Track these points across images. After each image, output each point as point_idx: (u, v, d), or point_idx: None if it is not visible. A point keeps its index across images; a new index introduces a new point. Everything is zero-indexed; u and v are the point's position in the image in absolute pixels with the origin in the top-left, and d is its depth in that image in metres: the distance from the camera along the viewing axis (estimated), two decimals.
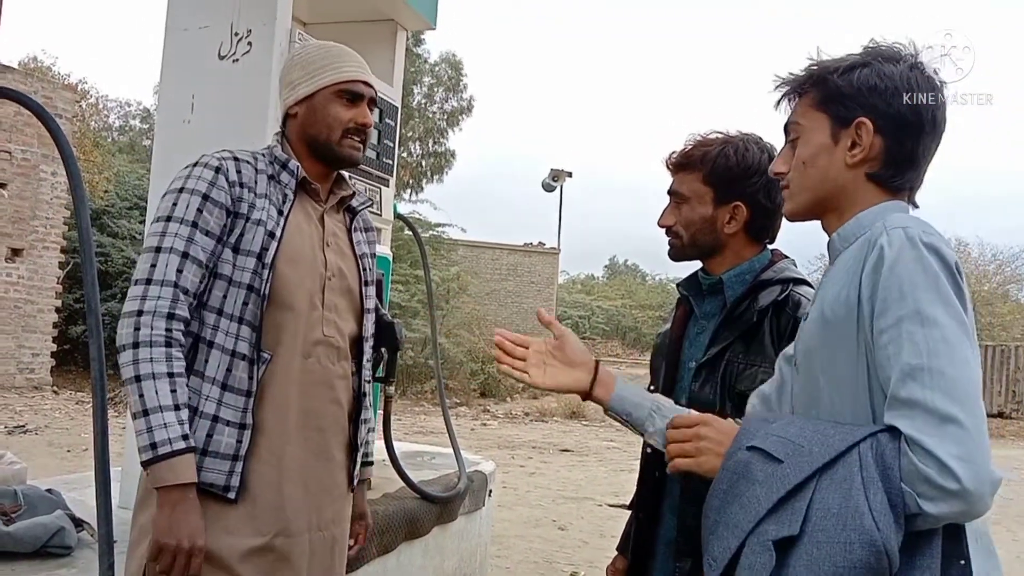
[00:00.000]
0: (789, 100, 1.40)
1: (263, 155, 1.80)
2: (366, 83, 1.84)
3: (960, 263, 1.19)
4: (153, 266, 1.64)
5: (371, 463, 2.06)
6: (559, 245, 25.14)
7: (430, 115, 25.96)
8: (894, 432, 1.11)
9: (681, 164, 1.83)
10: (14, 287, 12.02)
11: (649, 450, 1.84)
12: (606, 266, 56.59)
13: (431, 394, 14.79)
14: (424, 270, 4.04)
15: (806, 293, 1.72)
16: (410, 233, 4.10)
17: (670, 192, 1.85)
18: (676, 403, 1.60)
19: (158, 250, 1.65)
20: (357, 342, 1.88)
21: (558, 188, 26.63)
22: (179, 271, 1.64)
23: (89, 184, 13.58)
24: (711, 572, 1.20)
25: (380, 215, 3.21)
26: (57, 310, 12.73)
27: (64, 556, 2.27)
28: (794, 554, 1.10)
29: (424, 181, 26.26)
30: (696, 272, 1.89)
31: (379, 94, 3.13)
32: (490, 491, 3.96)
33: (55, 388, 12.40)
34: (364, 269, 1.90)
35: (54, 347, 12.72)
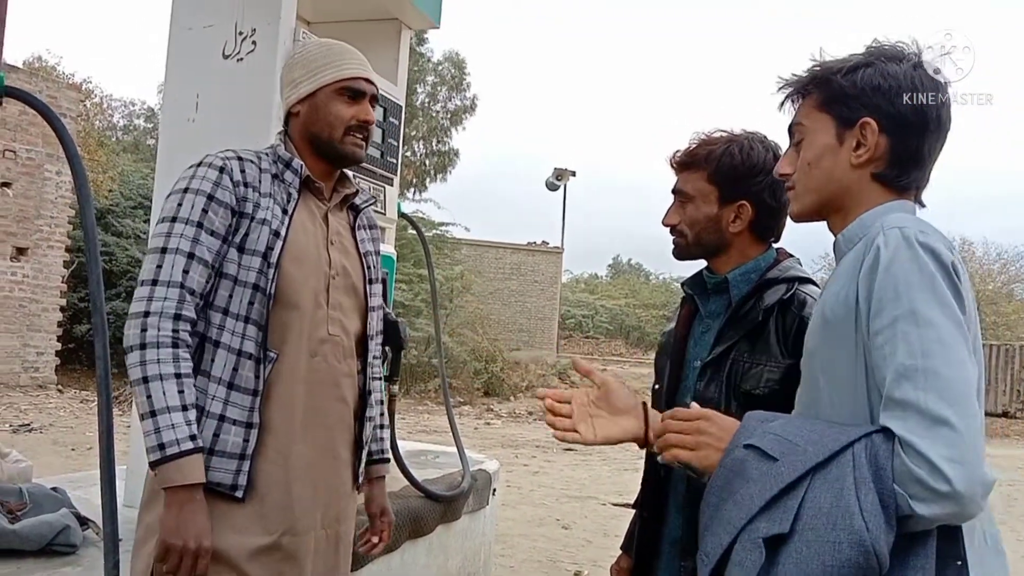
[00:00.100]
0: (793, 101, 1.40)
1: (266, 154, 1.80)
2: (368, 80, 1.84)
3: (958, 263, 1.18)
4: (159, 267, 1.64)
5: (388, 459, 2.07)
6: (563, 244, 25.13)
7: (433, 114, 25.97)
8: (888, 433, 1.11)
9: (685, 163, 1.83)
10: (19, 286, 12.05)
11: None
12: (610, 265, 56.53)
13: (435, 393, 14.80)
14: (428, 269, 4.04)
15: (812, 292, 1.72)
16: (414, 232, 4.09)
17: (674, 191, 1.85)
18: (681, 403, 1.60)
19: (164, 251, 1.65)
20: (362, 340, 1.88)
21: (562, 187, 26.61)
22: (185, 272, 1.64)
23: (93, 183, 13.59)
24: (703, 568, 1.20)
25: (384, 214, 3.21)
26: (62, 309, 12.75)
27: (69, 554, 2.28)
28: (784, 552, 1.10)
29: (428, 180, 26.27)
30: (701, 271, 1.88)
31: (383, 93, 3.16)
32: (494, 490, 3.96)
33: (60, 387, 12.43)
34: (368, 267, 1.90)
35: (59, 346, 12.75)
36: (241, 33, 2.73)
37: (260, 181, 1.75)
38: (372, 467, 2.02)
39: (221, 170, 1.70)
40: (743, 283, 1.78)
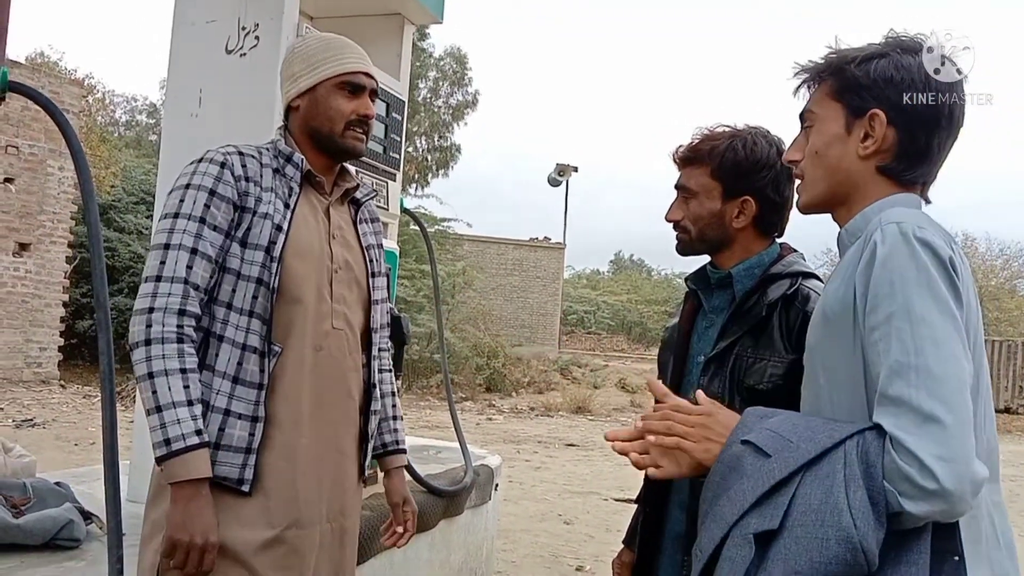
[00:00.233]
0: (808, 87, 1.38)
1: (267, 149, 1.81)
2: (367, 74, 1.84)
3: (956, 258, 1.17)
4: (163, 263, 1.64)
5: (404, 450, 2.05)
6: (565, 240, 25.11)
7: (435, 109, 25.96)
8: (881, 430, 1.11)
9: (688, 158, 1.82)
10: (22, 281, 12.06)
11: None
12: (612, 261, 56.55)
13: (437, 388, 14.81)
14: (431, 265, 4.03)
15: (815, 287, 1.72)
16: (416, 228, 4.09)
17: (677, 187, 1.84)
18: (684, 398, 1.59)
19: (167, 247, 1.65)
20: (367, 334, 1.89)
21: (564, 183, 26.59)
22: (189, 267, 1.64)
23: (96, 179, 13.60)
24: (697, 563, 1.21)
25: (387, 209, 3.21)
26: (64, 304, 12.77)
27: (73, 549, 2.28)
28: (774, 548, 1.10)
29: (430, 175, 26.28)
30: (704, 266, 1.88)
31: (386, 88, 3.15)
32: (496, 485, 3.97)
33: (62, 382, 12.45)
34: (371, 260, 1.90)
35: (61, 341, 12.76)
36: (244, 28, 2.73)
37: (261, 176, 1.75)
38: (389, 458, 2.02)
39: (222, 165, 1.71)
40: (747, 278, 1.78)
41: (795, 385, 1.43)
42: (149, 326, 1.61)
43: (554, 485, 7.98)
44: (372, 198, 1.97)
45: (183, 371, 1.60)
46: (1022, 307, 26.37)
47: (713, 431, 1.27)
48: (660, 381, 1.42)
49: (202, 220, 1.66)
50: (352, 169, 1.98)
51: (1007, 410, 17.58)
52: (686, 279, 1.92)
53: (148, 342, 1.60)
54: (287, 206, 1.74)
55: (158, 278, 1.63)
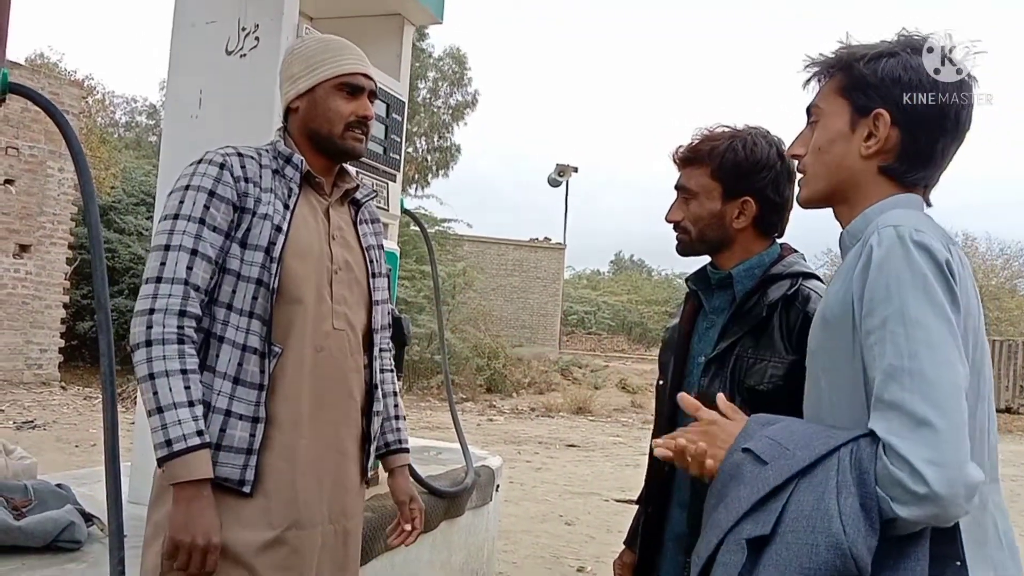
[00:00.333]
0: (818, 81, 1.37)
1: (266, 150, 1.81)
2: (366, 75, 1.84)
3: (954, 260, 1.16)
4: (163, 264, 1.64)
5: (407, 449, 2.05)
6: (565, 240, 25.12)
7: (435, 110, 25.97)
8: (875, 436, 1.11)
9: (688, 159, 1.82)
10: (22, 283, 12.07)
11: None
12: (612, 261, 56.60)
13: (437, 389, 14.81)
14: (431, 265, 4.03)
15: (815, 287, 1.72)
16: (416, 229, 4.09)
17: (677, 187, 1.84)
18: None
19: (167, 248, 1.65)
20: (368, 334, 1.89)
21: (564, 183, 26.60)
22: (189, 268, 1.64)
23: (96, 180, 13.60)
24: (694, 569, 1.22)
25: (388, 210, 3.21)
26: (65, 306, 12.77)
27: (74, 550, 2.28)
28: (766, 554, 1.11)
29: (430, 176, 26.28)
30: (705, 267, 1.88)
31: (386, 89, 3.15)
32: (497, 486, 3.97)
33: (63, 384, 12.45)
34: (371, 261, 1.90)
35: (62, 343, 12.76)
36: (244, 29, 2.73)
37: (261, 177, 1.75)
38: (392, 457, 2.01)
39: (221, 166, 1.71)
40: (747, 279, 1.78)
41: (795, 386, 1.43)
42: (150, 327, 1.61)
43: (555, 486, 7.98)
44: (372, 198, 1.97)
45: (184, 372, 1.60)
46: (1022, 307, 26.37)
47: (718, 439, 1.27)
48: (694, 401, 1.39)
49: (202, 221, 1.67)
50: (352, 170, 1.98)
51: (1007, 410, 17.57)
52: (686, 280, 1.92)
53: (149, 343, 1.60)
54: (286, 207, 1.74)
55: (158, 279, 1.64)
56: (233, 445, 1.65)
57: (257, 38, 2.71)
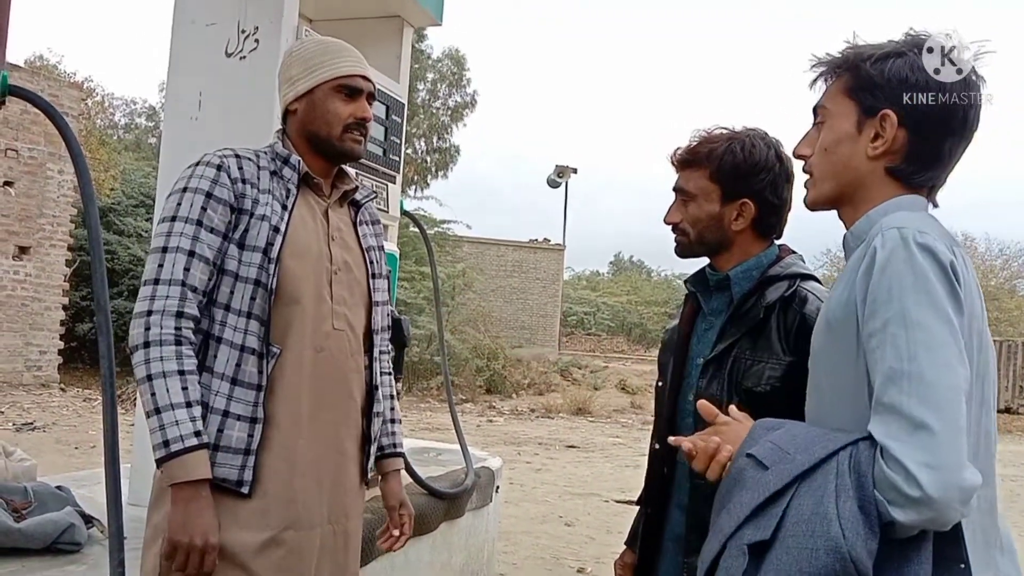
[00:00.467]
0: (825, 80, 1.36)
1: (265, 152, 1.81)
2: (364, 77, 1.84)
3: (958, 262, 1.16)
4: (161, 266, 1.65)
5: (401, 453, 2.05)
6: (564, 241, 25.13)
7: (434, 111, 25.97)
8: (874, 440, 1.10)
9: (687, 161, 1.82)
10: (21, 285, 12.06)
11: (657, 446, 1.84)
12: (611, 262, 56.57)
13: (437, 390, 14.81)
14: (431, 267, 4.03)
15: (813, 288, 1.72)
16: (416, 230, 4.10)
17: (676, 189, 1.84)
18: (684, 400, 1.59)
19: (165, 250, 1.66)
20: (368, 335, 1.89)
21: (563, 184, 26.61)
22: (186, 269, 1.65)
23: (95, 182, 13.58)
24: (698, 574, 1.23)
25: (387, 212, 3.21)
26: (64, 308, 12.76)
27: (74, 552, 2.28)
28: (767, 558, 1.11)
29: (429, 177, 26.29)
30: (703, 268, 1.88)
31: (386, 90, 3.15)
32: (497, 487, 3.97)
33: (62, 385, 12.45)
34: (371, 262, 1.90)
35: (61, 345, 12.76)
36: (244, 31, 2.73)
37: (258, 178, 1.75)
38: (386, 461, 2.01)
39: (219, 168, 1.71)
40: (745, 280, 1.78)
41: (793, 387, 1.43)
42: (148, 329, 1.61)
43: (555, 487, 7.98)
44: (371, 199, 1.97)
45: (181, 373, 1.60)
46: (1022, 307, 26.38)
47: (729, 439, 1.27)
48: (711, 407, 1.38)
49: (199, 223, 1.67)
50: (351, 171, 1.98)
51: (1007, 410, 17.58)
52: (685, 281, 1.92)
53: (147, 344, 1.60)
54: (284, 208, 1.75)
55: (156, 281, 1.64)
56: (231, 446, 1.65)
57: (257, 40, 2.71)
